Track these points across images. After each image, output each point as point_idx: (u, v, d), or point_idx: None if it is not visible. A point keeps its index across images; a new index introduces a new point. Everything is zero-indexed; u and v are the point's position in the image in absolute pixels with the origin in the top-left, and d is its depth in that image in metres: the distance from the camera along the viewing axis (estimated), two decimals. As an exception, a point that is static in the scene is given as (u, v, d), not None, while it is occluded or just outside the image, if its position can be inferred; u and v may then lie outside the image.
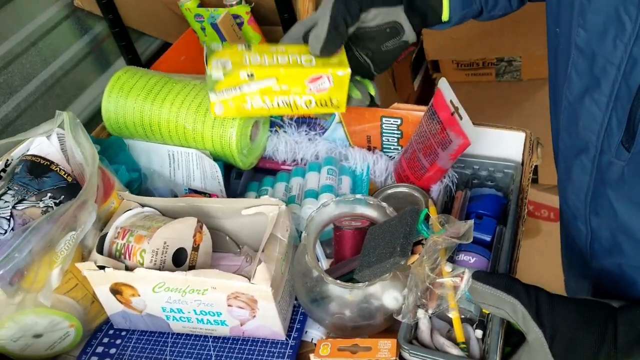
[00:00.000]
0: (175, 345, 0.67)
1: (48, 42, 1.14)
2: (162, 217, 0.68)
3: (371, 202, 0.64)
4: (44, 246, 0.57)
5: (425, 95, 1.71)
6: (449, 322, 0.58)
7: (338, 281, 0.57)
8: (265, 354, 0.64)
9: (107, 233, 0.65)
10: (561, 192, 0.66)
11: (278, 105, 0.66)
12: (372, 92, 0.68)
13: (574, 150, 0.57)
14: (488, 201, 0.71)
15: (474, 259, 0.63)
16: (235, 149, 0.75)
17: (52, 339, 0.66)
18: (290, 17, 1.08)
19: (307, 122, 0.82)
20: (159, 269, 0.62)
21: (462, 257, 0.64)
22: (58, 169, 0.65)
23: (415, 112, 0.75)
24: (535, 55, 1.44)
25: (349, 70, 0.63)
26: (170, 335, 0.68)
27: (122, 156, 0.80)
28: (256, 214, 0.66)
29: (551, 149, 0.67)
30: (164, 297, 0.63)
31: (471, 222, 0.56)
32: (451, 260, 0.62)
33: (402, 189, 0.74)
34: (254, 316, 0.63)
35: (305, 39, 0.65)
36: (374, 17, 0.64)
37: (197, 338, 0.67)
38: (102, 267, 0.61)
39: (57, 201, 0.63)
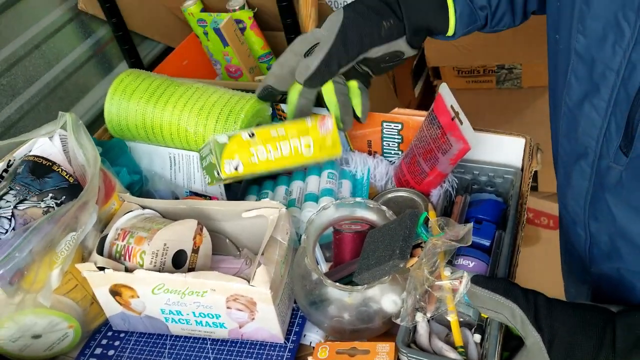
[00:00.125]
0: (173, 347, 0.67)
1: (51, 44, 1.15)
2: (163, 219, 0.68)
3: (371, 206, 0.64)
4: (44, 246, 0.57)
5: (426, 101, 1.71)
6: (448, 326, 0.58)
7: (337, 284, 0.57)
8: (264, 356, 0.64)
9: (107, 234, 0.65)
10: (560, 198, 0.66)
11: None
12: (359, 114, 0.71)
13: (573, 155, 0.57)
14: (488, 206, 0.72)
15: (473, 263, 0.64)
16: (236, 152, 0.76)
17: (51, 340, 0.66)
18: (292, 22, 1.09)
19: (308, 126, 0.82)
20: (159, 271, 0.62)
21: (461, 261, 0.64)
22: (60, 169, 0.65)
23: (416, 117, 0.76)
24: (535, 63, 1.44)
25: (340, 153, 0.71)
26: (168, 338, 0.68)
27: (124, 158, 0.80)
28: (256, 216, 0.66)
29: (551, 156, 0.67)
30: (163, 299, 0.63)
31: (470, 225, 0.56)
32: (450, 264, 0.62)
33: (402, 193, 0.74)
34: (253, 319, 0.63)
35: (306, 55, 0.66)
36: (376, 52, 0.66)
37: (196, 340, 0.67)
38: (101, 269, 0.62)
39: (59, 202, 0.63)
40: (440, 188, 0.73)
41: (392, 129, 0.78)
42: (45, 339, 0.65)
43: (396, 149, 0.80)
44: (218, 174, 0.65)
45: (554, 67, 0.59)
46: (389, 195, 0.75)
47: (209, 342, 0.66)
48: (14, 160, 0.67)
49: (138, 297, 0.64)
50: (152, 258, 0.62)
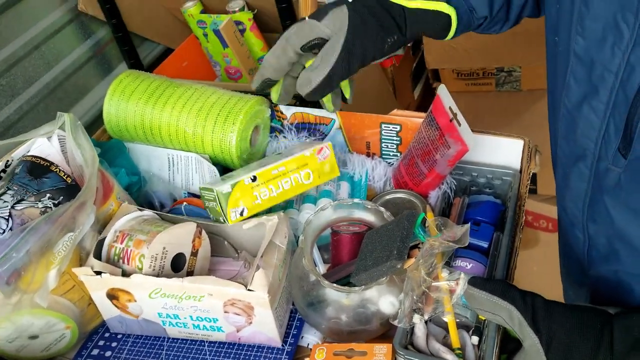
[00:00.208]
0: (171, 349, 0.66)
1: (51, 45, 1.15)
2: (162, 221, 0.68)
3: (369, 207, 0.64)
4: (41, 247, 0.57)
5: (425, 104, 1.71)
6: (445, 328, 0.58)
7: (335, 285, 0.57)
8: (261, 359, 0.64)
9: (105, 236, 0.65)
10: (559, 200, 0.66)
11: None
12: (347, 96, 0.71)
13: (572, 157, 0.57)
14: (486, 208, 0.72)
15: (471, 265, 0.63)
16: (235, 154, 0.75)
17: (48, 341, 0.65)
18: (292, 24, 1.09)
19: (307, 128, 0.82)
20: (158, 275, 0.62)
21: (459, 263, 0.64)
22: (58, 170, 0.65)
23: (415, 119, 0.76)
24: (535, 66, 1.44)
25: (338, 174, 0.74)
26: (166, 340, 0.68)
27: (122, 159, 0.80)
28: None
29: (550, 158, 0.67)
30: (160, 303, 0.63)
31: (467, 225, 0.56)
32: (448, 266, 0.61)
33: (401, 194, 0.74)
34: (251, 323, 0.62)
35: (304, 49, 0.65)
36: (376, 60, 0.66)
37: (193, 343, 0.67)
38: (98, 273, 0.61)
39: (56, 202, 0.63)
40: (438, 190, 0.73)
41: (391, 130, 0.78)
42: (42, 340, 0.65)
43: (395, 150, 0.80)
44: (224, 220, 0.66)
45: (553, 69, 0.59)
46: (387, 197, 0.74)
47: (206, 345, 0.66)
48: (12, 160, 0.67)
49: (135, 301, 0.64)
50: (151, 262, 0.62)
